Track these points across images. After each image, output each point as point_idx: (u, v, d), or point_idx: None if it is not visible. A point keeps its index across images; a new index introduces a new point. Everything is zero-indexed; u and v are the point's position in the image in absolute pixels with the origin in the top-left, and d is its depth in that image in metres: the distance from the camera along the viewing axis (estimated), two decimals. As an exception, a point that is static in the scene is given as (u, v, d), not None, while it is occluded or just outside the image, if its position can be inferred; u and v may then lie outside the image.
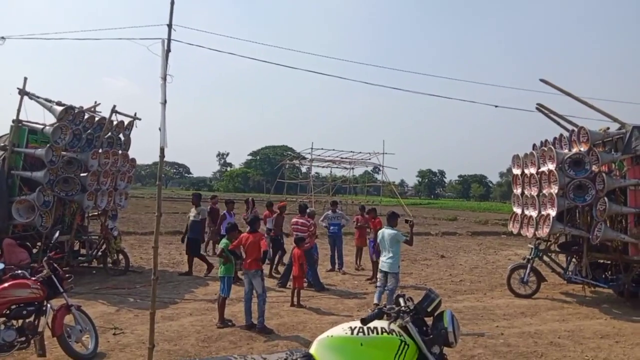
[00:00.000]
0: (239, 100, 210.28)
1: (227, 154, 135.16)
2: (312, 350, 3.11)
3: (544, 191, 9.78)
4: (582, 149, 9.32)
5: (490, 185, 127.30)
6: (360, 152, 39.41)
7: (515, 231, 11.08)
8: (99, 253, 11.44)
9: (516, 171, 11.18)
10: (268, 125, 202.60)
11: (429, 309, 3.19)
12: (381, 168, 40.12)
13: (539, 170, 9.97)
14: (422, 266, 14.14)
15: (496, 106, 9.58)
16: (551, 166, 9.48)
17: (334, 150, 38.46)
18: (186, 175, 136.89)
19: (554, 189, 9.34)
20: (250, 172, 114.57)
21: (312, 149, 37.76)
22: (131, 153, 12.10)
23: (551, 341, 7.17)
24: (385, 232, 8.48)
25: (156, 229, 5.36)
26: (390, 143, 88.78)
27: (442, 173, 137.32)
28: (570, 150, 9.73)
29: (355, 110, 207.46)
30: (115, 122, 11.41)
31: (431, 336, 3.13)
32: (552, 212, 9.34)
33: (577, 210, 10.03)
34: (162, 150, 5.37)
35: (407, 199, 66.99)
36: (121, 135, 11.89)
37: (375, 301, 8.28)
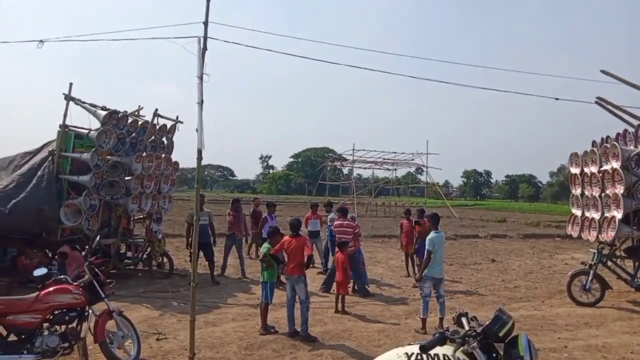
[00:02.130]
0: (281, 103, 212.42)
1: (270, 157, 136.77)
2: None
3: (607, 191, 9.04)
4: (651, 145, 8.53)
5: (540, 185, 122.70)
6: (403, 153, 38.78)
7: (575, 234, 10.32)
8: (144, 256, 11.52)
9: (574, 170, 10.43)
10: (310, 128, 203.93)
11: (500, 334, 2.73)
12: (424, 169, 39.25)
13: (601, 168, 9.23)
14: (472, 271, 13.49)
15: (556, 99, 8.91)
16: (615, 164, 8.74)
17: (375, 151, 38.00)
18: (230, 178, 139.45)
19: (619, 189, 8.59)
20: (292, 174, 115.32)
21: (353, 150, 37.44)
22: (176, 156, 12.14)
23: (623, 357, 6.51)
24: (441, 235, 7.94)
25: (195, 233, 5.18)
26: (434, 143, 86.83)
27: (488, 173, 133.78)
28: (636, 146, 8.93)
29: (398, 110, 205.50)
30: (158, 126, 11.47)
31: None
32: (618, 214, 8.60)
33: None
34: (199, 152, 5.19)
35: (451, 200, 65.51)
36: (164, 139, 11.95)
37: (423, 315, 7.70)
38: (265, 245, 7.26)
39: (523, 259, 16.13)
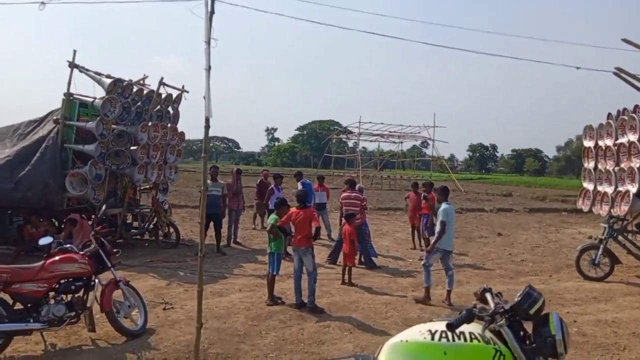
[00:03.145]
0: (287, 75, 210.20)
1: (276, 129, 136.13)
2: (382, 356, 2.60)
3: (623, 165, 8.83)
4: (670, 118, 8.27)
5: (546, 159, 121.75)
6: (410, 126, 38.34)
7: (585, 209, 10.16)
8: (151, 226, 11.50)
9: (588, 143, 10.19)
10: (316, 101, 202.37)
11: (531, 311, 2.56)
12: (430, 142, 38.94)
13: (617, 141, 9.00)
14: (479, 244, 13.42)
15: (578, 67, 8.64)
16: (632, 137, 8.51)
17: (382, 123, 37.59)
18: (235, 150, 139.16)
19: (636, 163, 8.39)
20: (297, 146, 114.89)
21: (359, 122, 37.08)
22: (182, 128, 12.00)
23: (633, 332, 6.44)
24: (452, 208, 7.87)
25: (202, 204, 5.07)
26: (441, 116, 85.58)
27: (494, 147, 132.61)
28: (655, 119, 8.67)
29: (405, 82, 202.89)
30: (163, 95, 11.28)
31: (534, 345, 2.53)
32: (633, 189, 8.42)
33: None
34: (207, 120, 5.01)
35: (457, 174, 64.98)
36: (170, 109, 11.78)
37: (426, 284, 7.63)
38: (273, 216, 7.17)
39: (529, 233, 16.04)
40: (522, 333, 2.57)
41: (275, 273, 7.18)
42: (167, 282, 8.34)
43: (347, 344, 5.76)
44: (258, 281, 8.59)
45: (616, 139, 9.02)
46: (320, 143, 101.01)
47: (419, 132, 39.49)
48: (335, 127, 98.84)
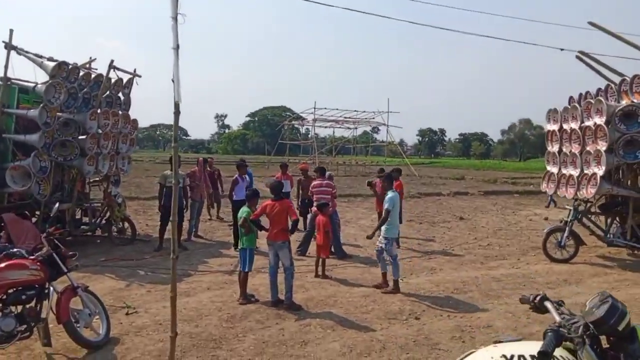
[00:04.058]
0: (236, 60, 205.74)
1: (225, 116, 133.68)
2: None
3: (588, 148, 8.94)
4: (635, 101, 8.40)
5: (491, 143, 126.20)
6: (365, 111, 38.35)
7: (550, 192, 10.32)
8: (103, 221, 10.66)
9: (552, 127, 10.31)
10: (266, 86, 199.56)
11: (619, 327, 2.15)
12: (381, 128, 39.18)
13: (582, 124, 9.10)
14: (443, 229, 13.45)
15: (562, 49, 8.59)
16: (599, 120, 8.60)
17: (337, 109, 37.39)
18: (184, 137, 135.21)
19: (602, 146, 8.49)
20: (248, 133, 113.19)
21: (314, 108, 36.74)
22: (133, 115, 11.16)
23: (611, 314, 6.49)
24: (397, 195, 7.80)
25: (174, 198, 4.52)
26: (385, 101, 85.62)
27: (442, 132, 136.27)
28: (618, 102, 8.81)
29: (351, 66, 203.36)
30: (113, 80, 10.41)
31: None
32: (599, 171, 8.54)
33: (622, 168, 9.21)
34: (176, 105, 4.47)
35: (408, 158, 66.15)
36: (120, 94, 10.91)
37: (396, 276, 7.42)
38: (245, 209, 6.68)
39: (489, 216, 16.31)
40: (596, 348, 2.21)
41: (247, 270, 6.72)
42: (126, 282, 7.69)
43: (333, 342, 5.42)
44: (226, 277, 8.11)
45: (582, 122, 9.11)
46: (272, 130, 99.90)
47: (373, 118, 39.62)
48: (288, 114, 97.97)
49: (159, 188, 10.18)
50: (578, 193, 9.17)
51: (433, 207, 18.36)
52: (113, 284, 7.56)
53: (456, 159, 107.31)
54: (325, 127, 42.13)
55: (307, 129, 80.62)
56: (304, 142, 49.81)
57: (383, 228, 7.56)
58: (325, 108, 36.98)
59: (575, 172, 9.33)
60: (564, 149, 9.83)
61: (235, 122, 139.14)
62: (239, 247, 6.84)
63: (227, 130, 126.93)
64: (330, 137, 54.15)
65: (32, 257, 4.86)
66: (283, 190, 11.66)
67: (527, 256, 10.13)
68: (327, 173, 10.55)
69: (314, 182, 9.97)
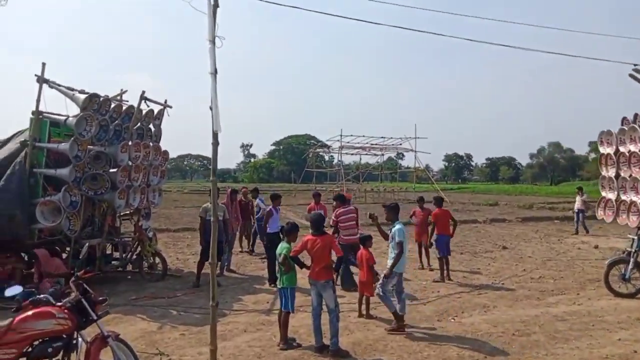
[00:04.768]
0: (261, 90, 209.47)
1: (251, 145, 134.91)
2: None
3: (653, 172, 8.18)
4: None
5: (520, 167, 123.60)
6: (392, 138, 37.84)
7: (608, 219, 9.51)
8: (134, 256, 10.31)
9: (606, 150, 9.57)
10: (290, 115, 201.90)
11: None
12: (405, 153, 38.49)
13: (644, 146, 8.38)
14: (487, 260, 12.65)
15: (635, 65, 7.99)
16: (664, 141, 7.87)
17: (364, 136, 37.00)
18: (210, 167, 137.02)
19: (671, 169, 7.74)
20: (274, 162, 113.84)
21: (341, 135, 36.39)
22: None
23: None
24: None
25: (213, 238, 4.07)
26: (410, 127, 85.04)
27: (469, 156, 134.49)
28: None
29: (373, 95, 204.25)
30: (144, 111, 10.21)
31: None
32: (669, 197, 7.76)
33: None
34: (215, 136, 4.08)
35: (432, 185, 65.16)
36: (151, 126, 10.70)
37: (393, 309, 6.89)
38: (284, 245, 6.17)
39: (533, 245, 15.39)
40: None
41: (289, 311, 6.16)
42: (158, 324, 7.21)
43: (389, 398, 4.79)
44: (263, 317, 7.56)
45: (644, 143, 8.39)
46: (297, 158, 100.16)
47: (401, 144, 39.04)
48: (312, 141, 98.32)
49: (200, 221, 9.75)
50: (644, 221, 8.37)
51: (472, 236, 17.51)
52: (145, 326, 7.09)
53: (484, 183, 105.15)
54: (352, 154, 41.73)
55: (331, 156, 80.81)
56: (331, 169, 49.42)
57: (389, 261, 7.02)
58: (352, 135, 36.66)
59: (638, 199, 8.55)
60: (622, 174, 9.07)
61: (261, 150, 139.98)
62: (279, 287, 6.29)
63: (252, 159, 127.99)
64: (355, 164, 53.66)
65: (59, 304, 4.43)
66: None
67: (586, 290, 9.28)
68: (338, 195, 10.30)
69: (339, 210, 9.48)
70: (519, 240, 16.36)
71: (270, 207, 9.84)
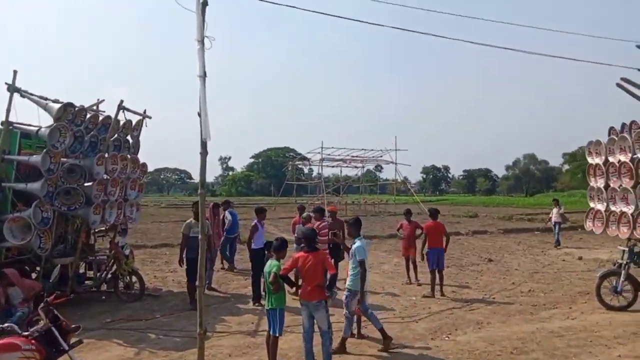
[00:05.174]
0: (238, 102, 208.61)
1: (229, 158, 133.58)
2: None
3: (644, 182, 8.11)
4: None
5: (496, 179, 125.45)
6: (372, 150, 37.83)
7: (597, 231, 9.39)
8: (109, 276, 9.75)
9: (595, 160, 9.51)
10: (269, 127, 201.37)
11: None
12: (384, 166, 38.51)
13: (635, 156, 8.32)
14: (474, 273, 12.46)
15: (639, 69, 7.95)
16: (655, 152, 7.81)
17: (345, 148, 36.90)
18: (188, 180, 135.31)
19: (662, 180, 7.67)
20: (253, 175, 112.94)
21: (322, 147, 36.20)
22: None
23: None
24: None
25: (200, 256, 3.70)
26: (388, 140, 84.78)
27: (446, 168, 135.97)
28: (673, 131, 8.04)
29: (353, 107, 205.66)
30: (122, 122, 9.76)
31: None
32: (662, 208, 7.67)
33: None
34: (203, 145, 3.74)
35: (412, 197, 65.43)
36: (129, 137, 10.24)
37: (346, 334, 6.63)
38: (274, 262, 5.79)
39: (518, 257, 15.31)
40: None
41: (278, 334, 5.78)
42: (135, 350, 6.71)
43: None
44: (248, 340, 7.14)
45: (634, 153, 8.33)
46: (276, 171, 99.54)
47: (381, 156, 39.05)
48: (291, 154, 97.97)
49: (182, 239, 9.18)
50: (635, 232, 8.26)
51: (456, 248, 17.33)
52: (121, 352, 6.59)
53: (462, 195, 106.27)
54: (333, 166, 41.56)
55: (310, 169, 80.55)
56: (312, 182, 49.14)
57: (348, 279, 6.67)
58: (333, 147, 36.52)
59: (628, 209, 8.46)
60: (612, 184, 8.99)
61: (239, 163, 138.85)
62: (267, 308, 5.91)
63: (231, 173, 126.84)
64: (335, 176, 53.59)
65: (26, 334, 3.98)
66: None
67: (578, 304, 9.12)
68: (304, 215, 10.24)
69: (322, 224, 9.36)
70: (503, 253, 16.28)
71: (255, 221, 9.45)
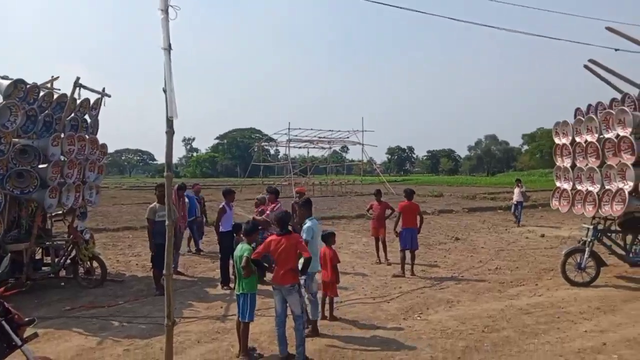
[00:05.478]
0: (202, 81, 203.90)
1: (193, 139, 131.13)
2: None
3: (610, 162, 8.25)
4: (659, 109, 7.78)
5: (459, 159, 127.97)
6: (340, 131, 37.70)
7: (563, 210, 9.55)
8: (68, 261, 9.29)
9: (562, 140, 9.63)
10: (234, 108, 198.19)
11: None
12: (350, 148, 38.58)
13: (601, 136, 8.45)
14: (442, 252, 12.59)
15: (616, 49, 7.97)
16: (622, 132, 7.93)
17: (312, 129, 36.61)
18: (150, 162, 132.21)
19: (628, 159, 7.81)
20: (218, 156, 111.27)
21: (289, 128, 35.78)
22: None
23: (675, 352, 5.66)
24: (316, 223, 6.68)
25: (168, 244, 3.44)
26: (355, 122, 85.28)
27: (410, 149, 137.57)
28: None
29: (320, 88, 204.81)
30: (79, 101, 9.19)
31: None
32: (627, 186, 7.83)
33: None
34: (169, 122, 3.43)
35: (378, 177, 66.07)
36: (87, 116, 9.68)
37: (315, 317, 6.45)
38: (245, 246, 5.57)
39: (483, 235, 15.59)
40: None
41: (248, 320, 5.58)
42: (97, 339, 6.38)
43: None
44: (218, 325, 6.92)
45: (600, 134, 8.45)
46: (242, 152, 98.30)
47: (348, 137, 38.98)
48: (257, 135, 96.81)
49: (149, 224, 8.67)
50: (600, 210, 8.44)
51: (423, 228, 17.27)
52: (81, 342, 6.26)
53: (426, 175, 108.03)
54: (300, 147, 41.23)
55: (276, 150, 79.87)
56: (279, 163, 48.69)
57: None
58: (300, 128, 36.17)
59: (594, 188, 8.62)
60: (578, 164, 9.13)
61: (204, 145, 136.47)
62: (237, 292, 5.69)
63: (195, 154, 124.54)
64: (301, 157, 53.31)
65: (-27, 330, 3.64)
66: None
67: (543, 280, 9.31)
68: (259, 197, 10.11)
69: (277, 206, 9.22)
70: (469, 231, 16.53)
71: (223, 203, 9.15)
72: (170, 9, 3.40)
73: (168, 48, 3.34)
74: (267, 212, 9.45)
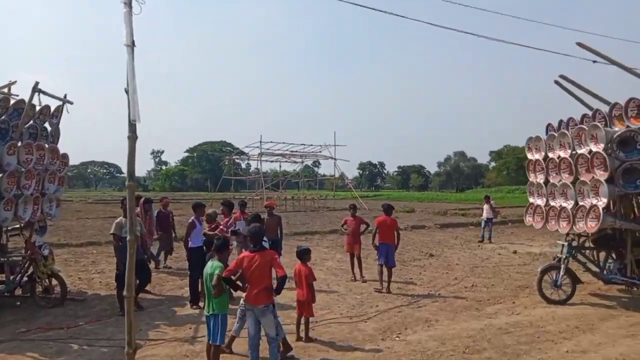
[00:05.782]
0: (172, 95, 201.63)
1: (162, 152, 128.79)
2: None
3: (583, 178, 8.26)
4: (632, 126, 7.85)
5: (429, 175, 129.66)
6: (312, 145, 37.56)
7: (537, 226, 9.52)
8: (24, 279, 8.67)
9: (535, 156, 9.65)
10: (205, 120, 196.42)
11: None
12: (322, 162, 38.53)
13: (574, 152, 8.47)
14: (417, 268, 12.42)
15: (594, 61, 7.97)
16: (594, 147, 7.96)
17: (284, 143, 36.34)
18: (117, 175, 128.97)
19: (601, 175, 7.83)
20: (187, 170, 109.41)
21: (260, 142, 35.41)
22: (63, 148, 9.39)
23: (657, 372, 5.57)
24: None
25: (129, 263, 3.09)
26: (327, 136, 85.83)
27: (382, 165, 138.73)
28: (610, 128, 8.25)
29: (293, 103, 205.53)
30: (38, 107, 8.68)
31: None
32: (600, 203, 7.83)
33: (615, 199, 8.57)
34: (132, 127, 3.12)
35: (350, 192, 66.18)
36: (47, 124, 9.16)
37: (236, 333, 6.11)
38: (216, 264, 5.21)
39: (456, 251, 15.54)
40: None
41: (219, 343, 5.22)
42: (54, 364, 5.90)
43: None
44: (186, 348, 6.49)
45: (573, 149, 8.48)
46: (212, 165, 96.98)
47: (320, 151, 38.87)
48: (228, 149, 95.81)
49: (114, 240, 8.14)
50: (574, 227, 8.42)
51: (400, 244, 17.36)
52: (35, 369, 5.75)
53: (396, 191, 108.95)
54: (272, 161, 40.85)
55: (248, 163, 79.14)
56: (250, 177, 48.09)
57: None
58: (272, 142, 35.84)
59: (568, 204, 8.62)
60: (551, 180, 9.14)
61: (173, 158, 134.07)
62: (207, 313, 5.32)
63: (164, 167, 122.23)
64: (273, 171, 52.88)
65: None
66: (244, 233, 10.36)
67: (520, 298, 9.21)
68: (210, 211, 9.67)
69: (230, 221, 9.24)
70: (442, 247, 16.48)
71: (192, 218, 8.74)
72: (134, 3, 3.11)
73: (131, 45, 3.04)
74: (221, 227, 9.10)
